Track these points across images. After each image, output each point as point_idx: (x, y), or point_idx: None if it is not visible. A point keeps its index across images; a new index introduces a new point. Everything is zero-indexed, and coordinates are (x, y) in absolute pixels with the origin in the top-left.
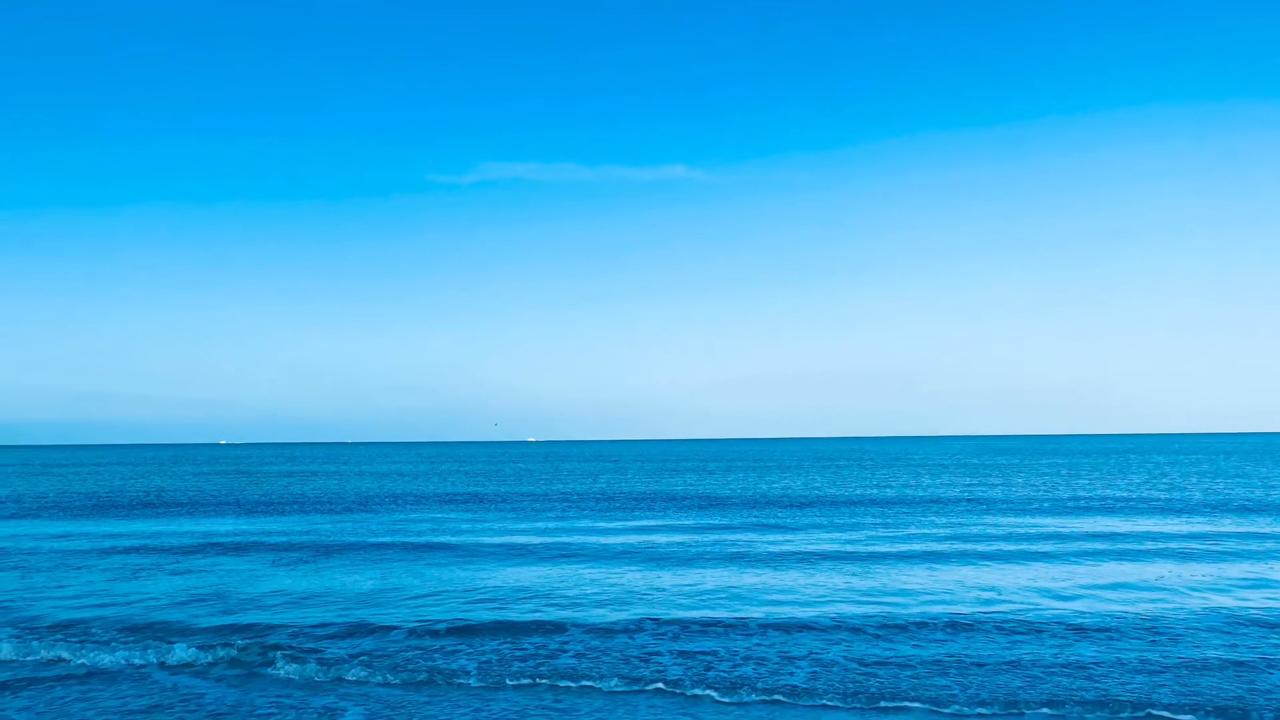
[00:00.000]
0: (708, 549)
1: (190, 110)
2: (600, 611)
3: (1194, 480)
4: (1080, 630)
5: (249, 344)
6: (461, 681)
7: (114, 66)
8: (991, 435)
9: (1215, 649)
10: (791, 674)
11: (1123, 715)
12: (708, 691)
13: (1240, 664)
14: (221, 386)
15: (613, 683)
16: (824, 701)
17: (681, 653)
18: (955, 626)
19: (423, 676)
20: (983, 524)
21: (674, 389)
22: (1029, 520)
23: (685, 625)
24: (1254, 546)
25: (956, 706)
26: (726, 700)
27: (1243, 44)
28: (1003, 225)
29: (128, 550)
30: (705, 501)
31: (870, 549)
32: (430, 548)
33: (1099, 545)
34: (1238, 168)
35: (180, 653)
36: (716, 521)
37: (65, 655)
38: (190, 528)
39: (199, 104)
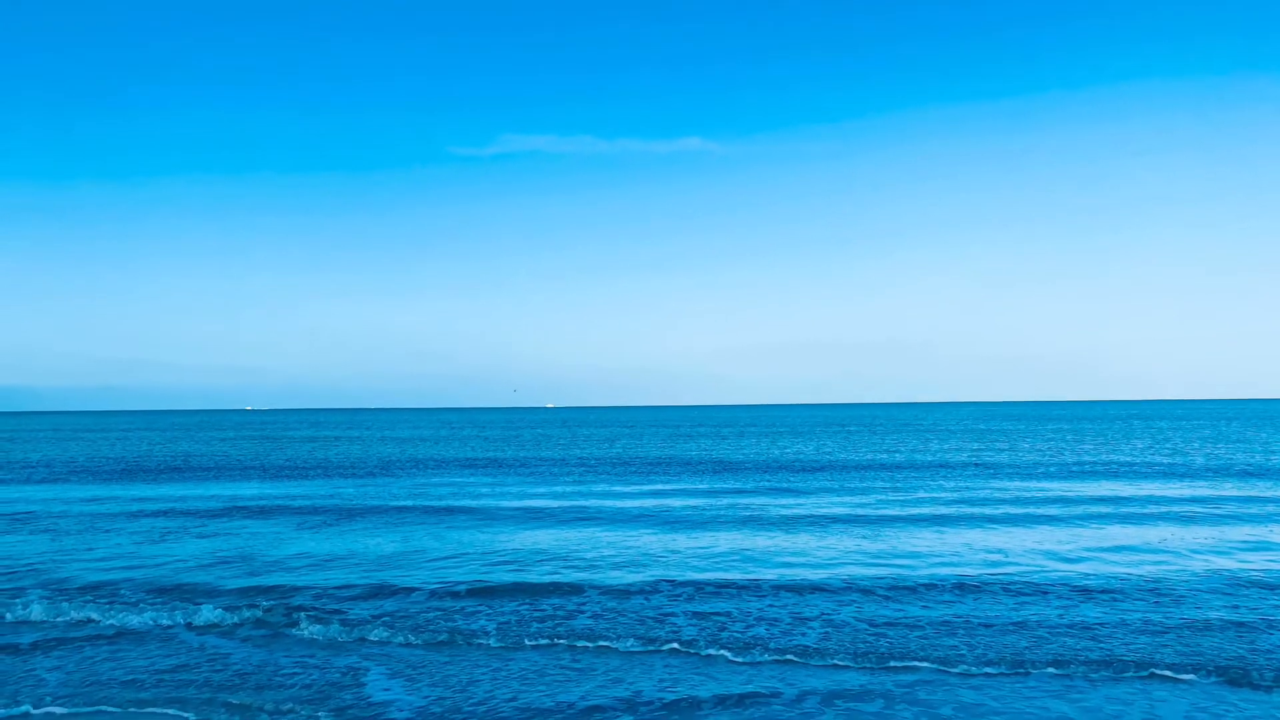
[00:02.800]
0: (721, 512)
1: (217, 85)
2: (617, 573)
3: (1196, 445)
4: (1085, 592)
5: (274, 313)
6: (481, 642)
7: (142, 43)
8: (998, 401)
9: (1217, 610)
10: (803, 634)
11: (1127, 675)
12: (721, 651)
13: (1241, 625)
14: (248, 354)
15: (629, 643)
16: (835, 661)
17: (696, 614)
18: (963, 588)
19: (443, 637)
20: (990, 488)
21: (689, 356)
22: (1035, 484)
23: (700, 587)
24: (1255, 510)
25: (964, 666)
26: (740, 660)
27: (1244, 20)
28: (1009, 196)
29: (155, 514)
30: (719, 466)
31: (880, 512)
32: (451, 511)
33: (1103, 509)
34: (1238, 141)
35: (207, 614)
36: (730, 486)
37: (95, 616)
38: (216, 492)
39: (226, 79)
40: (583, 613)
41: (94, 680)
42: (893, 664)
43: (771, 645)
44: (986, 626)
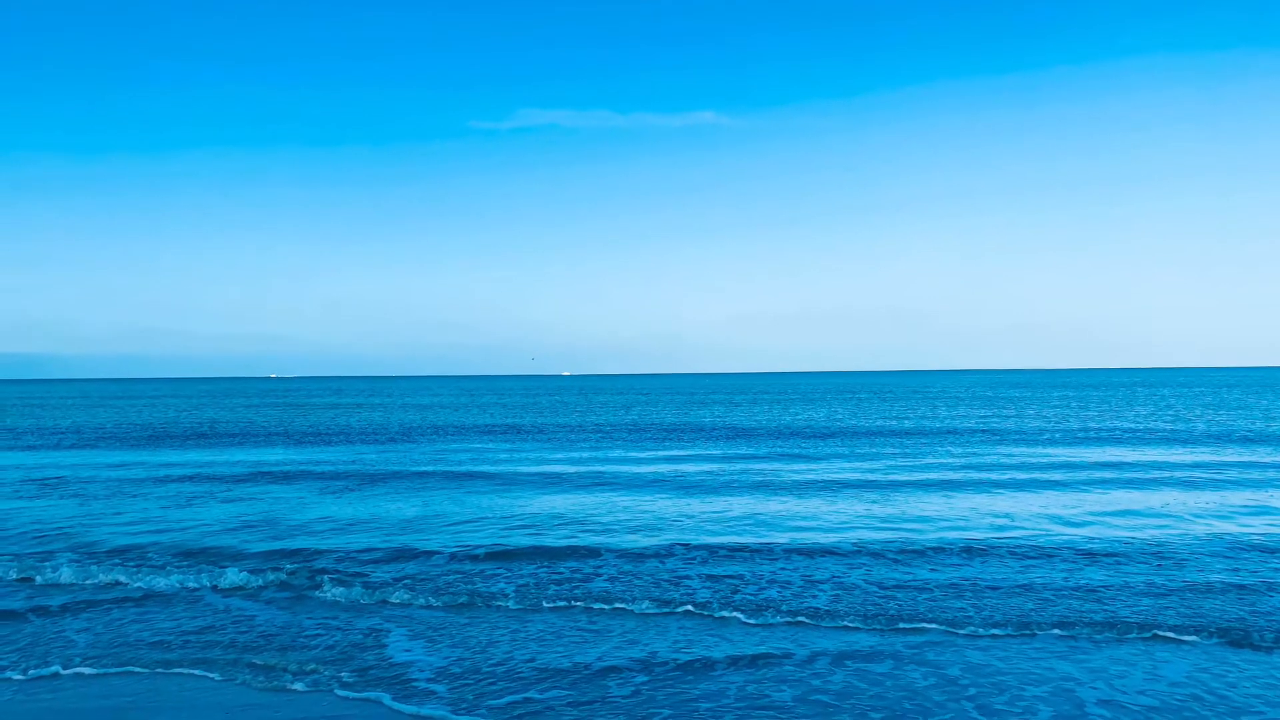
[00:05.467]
0: (734, 478)
1: (242, 61)
2: (632, 537)
3: (1198, 412)
4: (1089, 555)
5: (298, 282)
6: (500, 604)
7: (170, 19)
8: (1005, 369)
9: (1218, 573)
10: (814, 597)
11: (1130, 636)
12: (735, 613)
13: (1242, 587)
14: (272, 323)
15: (644, 605)
16: (845, 623)
17: (710, 576)
18: (970, 551)
19: (463, 599)
20: (996, 454)
21: (702, 325)
22: (1040, 450)
23: (713, 550)
24: (1255, 475)
25: (971, 628)
26: (752, 622)
27: None
28: (1015, 168)
29: (182, 479)
30: (732, 432)
31: (889, 477)
32: (470, 476)
33: (1107, 474)
34: (1238, 115)
35: (232, 576)
36: (743, 451)
37: (123, 579)
38: (241, 457)
39: (251, 55)
40: (599, 576)
41: (122, 641)
42: (902, 625)
43: (783, 607)
44: (993, 589)
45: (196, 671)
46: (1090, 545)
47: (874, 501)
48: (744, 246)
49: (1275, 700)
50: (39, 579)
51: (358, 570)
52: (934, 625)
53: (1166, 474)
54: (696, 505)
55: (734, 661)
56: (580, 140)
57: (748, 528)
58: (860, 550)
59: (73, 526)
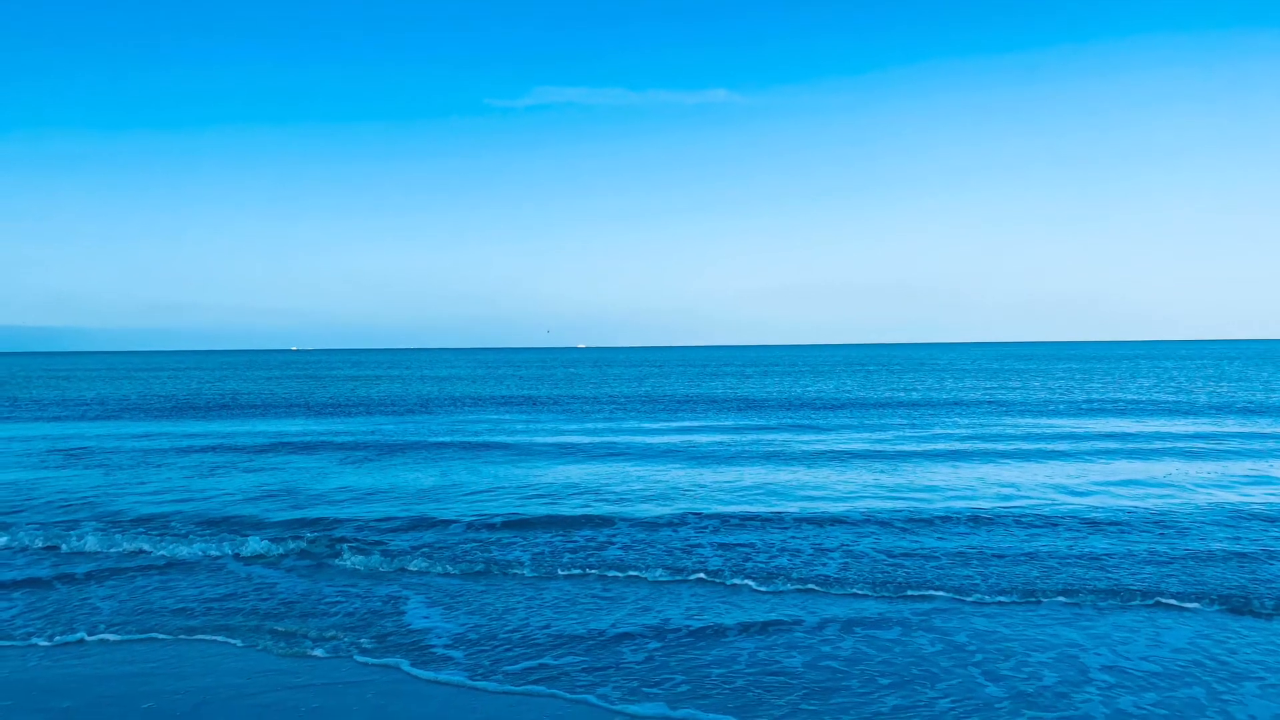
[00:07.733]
0: (746, 448)
1: (264, 38)
2: (646, 506)
3: (1200, 384)
4: (1093, 524)
5: (319, 257)
6: (516, 572)
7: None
8: (1011, 342)
9: (1219, 541)
10: (824, 565)
11: (1133, 603)
12: (746, 581)
13: (1243, 555)
14: (293, 296)
15: (657, 573)
16: (854, 590)
17: (721, 545)
18: (977, 520)
19: (480, 567)
20: (1002, 425)
21: (714, 298)
22: (1045, 421)
23: (725, 519)
24: (1256, 446)
25: (978, 595)
26: (763, 589)
27: None
28: (1021, 145)
29: (204, 449)
30: (744, 404)
31: (897, 448)
32: (487, 447)
33: (1111, 444)
34: (1239, 91)
35: (254, 545)
36: (754, 422)
37: (146, 547)
38: (263, 428)
39: (272, 32)
40: (613, 544)
41: (146, 609)
42: (910, 593)
43: (794, 575)
44: (999, 557)
45: (219, 638)
46: (1094, 514)
47: (882, 471)
48: (755, 222)
49: (1275, 666)
50: (64, 547)
51: (376, 539)
52: (941, 592)
53: (1169, 444)
54: (709, 475)
55: (745, 628)
56: (595, 117)
57: (759, 497)
58: (869, 519)
59: (97, 496)
